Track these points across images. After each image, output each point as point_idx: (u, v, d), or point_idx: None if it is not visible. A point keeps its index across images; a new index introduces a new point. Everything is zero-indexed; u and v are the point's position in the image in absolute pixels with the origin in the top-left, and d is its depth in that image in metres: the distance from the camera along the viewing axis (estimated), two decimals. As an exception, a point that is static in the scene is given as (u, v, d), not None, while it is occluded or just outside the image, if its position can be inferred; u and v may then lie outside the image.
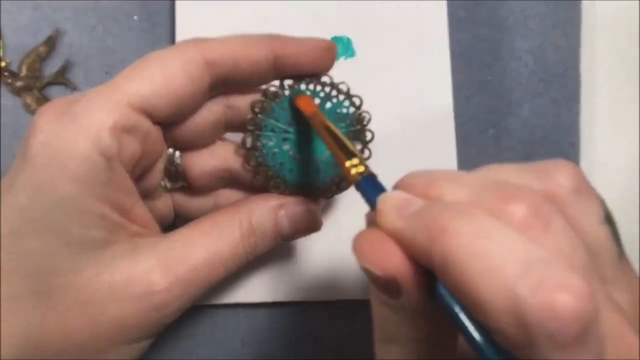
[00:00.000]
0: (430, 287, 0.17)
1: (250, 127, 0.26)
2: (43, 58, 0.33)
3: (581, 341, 0.14)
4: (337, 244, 0.31)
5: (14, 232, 0.22)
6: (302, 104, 0.25)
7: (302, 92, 0.26)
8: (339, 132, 0.23)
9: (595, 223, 0.19)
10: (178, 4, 0.32)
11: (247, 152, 0.26)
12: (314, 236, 0.31)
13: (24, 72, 0.32)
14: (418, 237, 0.17)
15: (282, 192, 0.27)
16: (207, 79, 0.24)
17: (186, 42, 0.25)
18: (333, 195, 0.27)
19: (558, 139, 0.34)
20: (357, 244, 0.19)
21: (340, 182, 0.27)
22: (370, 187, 0.20)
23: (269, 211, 0.26)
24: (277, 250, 0.31)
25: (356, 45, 0.32)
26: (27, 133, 0.23)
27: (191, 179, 0.28)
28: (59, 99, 0.24)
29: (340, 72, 0.32)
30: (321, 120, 0.24)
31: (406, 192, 0.19)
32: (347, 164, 0.21)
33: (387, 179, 0.32)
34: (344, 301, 0.32)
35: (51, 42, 0.33)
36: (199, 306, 0.31)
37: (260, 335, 0.32)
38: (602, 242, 0.19)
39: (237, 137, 0.27)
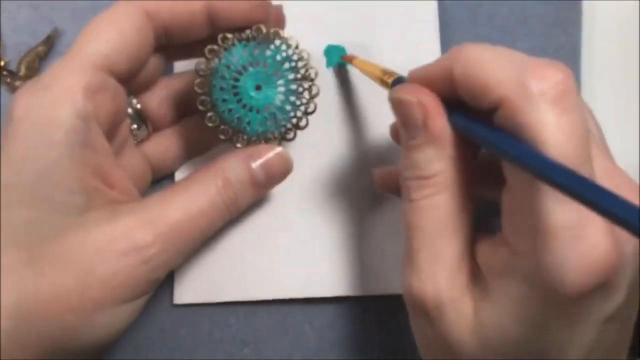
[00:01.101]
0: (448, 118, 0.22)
1: (199, 91, 0.27)
2: (42, 57, 0.33)
3: (565, 99, 0.19)
4: (338, 240, 0.32)
5: (3, 205, 0.23)
6: (347, 59, 0.31)
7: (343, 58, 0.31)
8: (369, 61, 0.29)
9: None
10: None
11: (204, 115, 0.27)
12: (315, 233, 0.31)
13: (22, 71, 0.32)
14: (442, 62, 0.22)
15: (247, 145, 0.28)
16: (151, 29, 0.26)
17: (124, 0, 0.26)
18: (295, 137, 0.28)
19: (559, 139, 0.34)
20: (395, 89, 0.24)
21: (299, 122, 0.28)
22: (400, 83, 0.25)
23: (241, 162, 0.27)
24: (275, 246, 0.31)
25: (350, 51, 0.33)
26: (7, 117, 0.24)
27: (152, 117, 0.29)
28: (32, 79, 0.25)
29: (335, 77, 0.33)
30: (357, 61, 0.30)
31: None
32: (383, 78, 0.26)
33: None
34: (349, 298, 0.32)
35: (50, 42, 0.33)
36: (197, 306, 0.31)
37: (260, 335, 0.32)
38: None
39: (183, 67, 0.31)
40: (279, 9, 0.29)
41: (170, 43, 0.27)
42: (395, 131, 0.29)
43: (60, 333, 0.23)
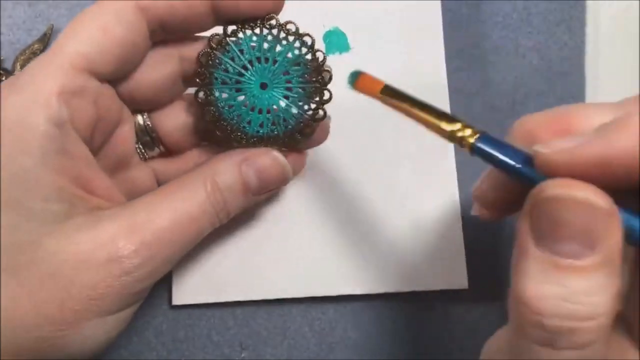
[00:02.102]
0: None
1: (199, 81, 0.25)
2: (37, 55, 0.32)
3: None
4: (337, 239, 0.31)
5: None
6: (365, 89, 0.23)
7: (358, 74, 0.24)
8: (421, 100, 0.21)
9: None
10: None
11: (202, 108, 0.26)
12: (314, 232, 0.31)
13: (18, 69, 0.32)
14: (614, 138, 0.16)
15: (245, 145, 0.26)
16: (145, 25, 0.24)
17: None
18: (297, 144, 0.27)
19: (563, 138, 0.33)
20: (560, 183, 0.17)
21: (303, 129, 0.26)
22: (491, 145, 0.18)
23: (232, 166, 0.25)
24: (274, 246, 0.31)
25: (351, 39, 0.32)
26: None
27: (164, 139, 0.27)
28: (10, 77, 0.24)
29: (334, 66, 0.31)
30: (393, 94, 0.22)
31: (533, 132, 0.19)
32: (449, 129, 0.19)
33: (383, 178, 0.32)
34: (348, 298, 0.31)
35: (46, 39, 0.32)
36: (195, 307, 0.31)
37: (259, 338, 0.32)
38: None
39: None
40: None
41: (170, 37, 0.25)
42: (483, 195, 0.22)
43: (41, 344, 0.22)
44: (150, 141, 0.27)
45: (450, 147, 0.32)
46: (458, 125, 0.19)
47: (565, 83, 0.34)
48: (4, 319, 0.22)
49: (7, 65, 0.32)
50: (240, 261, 0.31)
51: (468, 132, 0.19)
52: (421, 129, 0.29)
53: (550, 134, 0.18)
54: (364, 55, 0.32)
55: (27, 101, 0.22)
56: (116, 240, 0.23)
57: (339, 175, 0.32)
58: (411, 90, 0.32)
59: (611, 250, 0.16)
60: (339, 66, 0.31)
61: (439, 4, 0.33)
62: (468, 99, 0.33)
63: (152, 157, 0.28)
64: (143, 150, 0.27)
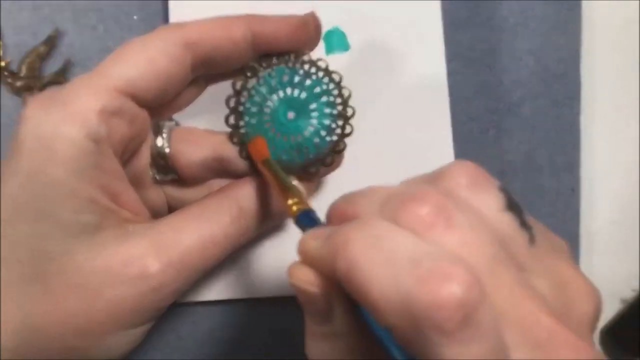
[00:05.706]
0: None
1: (230, 106, 0.27)
2: (43, 58, 0.33)
3: (467, 328, 0.15)
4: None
5: (6, 219, 0.23)
6: (253, 151, 0.26)
7: (258, 135, 0.26)
8: (284, 175, 0.24)
9: (495, 211, 0.19)
10: (171, 4, 0.32)
11: (232, 130, 0.27)
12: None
13: (24, 72, 0.32)
14: (326, 256, 0.18)
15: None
16: (189, 60, 0.25)
17: (166, 27, 0.25)
18: (317, 172, 0.27)
19: (559, 139, 0.34)
20: (294, 270, 0.19)
21: (325, 158, 0.27)
22: (308, 221, 0.21)
23: (256, 191, 0.26)
24: (276, 243, 0.31)
25: (350, 39, 0.33)
26: (17, 124, 0.23)
27: (180, 169, 0.27)
28: (47, 90, 0.24)
29: (333, 66, 0.32)
30: (269, 167, 0.25)
31: (334, 217, 0.20)
32: (289, 201, 0.22)
33: (381, 176, 0.32)
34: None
35: (51, 42, 0.33)
36: (198, 305, 0.31)
37: (263, 336, 0.32)
38: (507, 230, 0.19)
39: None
40: (317, 21, 0.27)
41: (211, 72, 0.27)
42: None
43: (64, 354, 0.23)
44: (164, 166, 0.27)
45: (449, 144, 0.32)
46: (295, 200, 0.22)
47: (561, 85, 0.34)
48: (28, 326, 0.22)
49: (13, 67, 0.33)
50: (241, 259, 0.31)
51: (299, 207, 0.22)
52: (420, 126, 0.32)
53: (339, 220, 0.20)
54: (363, 55, 0.32)
55: (66, 115, 0.23)
56: (145, 258, 0.23)
57: (337, 174, 0.32)
58: (411, 90, 0.32)
59: (344, 327, 0.19)
60: (338, 66, 0.31)
61: (438, 4, 0.33)
62: (465, 101, 0.34)
63: (165, 182, 0.28)
64: (156, 173, 0.28)
